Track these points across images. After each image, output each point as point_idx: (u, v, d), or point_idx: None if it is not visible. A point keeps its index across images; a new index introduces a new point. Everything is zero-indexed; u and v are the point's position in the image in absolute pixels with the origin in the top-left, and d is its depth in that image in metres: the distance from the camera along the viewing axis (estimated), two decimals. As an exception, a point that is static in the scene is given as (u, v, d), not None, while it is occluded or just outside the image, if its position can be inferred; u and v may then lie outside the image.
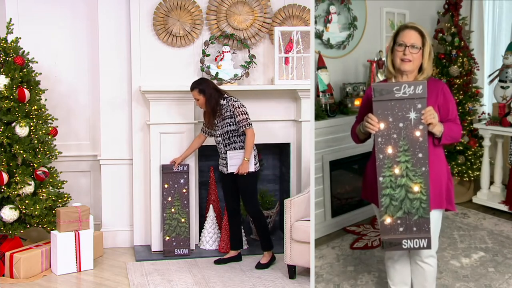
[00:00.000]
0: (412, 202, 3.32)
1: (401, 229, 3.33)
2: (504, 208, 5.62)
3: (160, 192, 5.57)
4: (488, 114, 6.09)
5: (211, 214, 5.75)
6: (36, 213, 5.05)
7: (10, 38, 5.22)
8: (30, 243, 5.35)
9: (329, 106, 5.39)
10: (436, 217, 3.46)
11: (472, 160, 6.05)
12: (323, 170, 5.24)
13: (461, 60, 6.07)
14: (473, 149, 6.06)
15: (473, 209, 5.83)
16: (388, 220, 3.34)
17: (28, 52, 5.27)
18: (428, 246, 3.34)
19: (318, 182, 5.19)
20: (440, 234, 3.70)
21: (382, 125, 3.30)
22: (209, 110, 5.12)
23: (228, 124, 5.08)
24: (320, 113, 5.25)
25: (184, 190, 5.55)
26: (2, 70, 5.10)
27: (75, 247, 5.13)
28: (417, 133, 3.27)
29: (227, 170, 5.17)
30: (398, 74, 3.48)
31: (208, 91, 5.07)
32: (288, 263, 4.88)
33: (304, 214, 4.93)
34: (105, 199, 5.76)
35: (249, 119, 5.07)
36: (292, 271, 4.91)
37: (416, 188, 3.30)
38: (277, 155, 6.28)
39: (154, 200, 5.59)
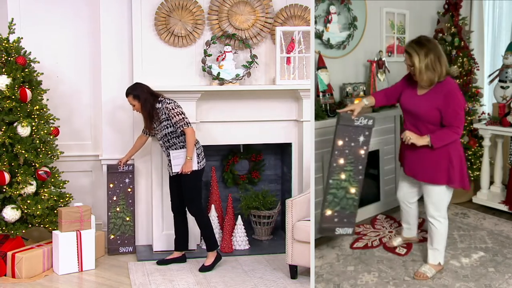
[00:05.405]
0: (348, 200, 4.50)
1: (336, 220, 4.51)
2: (504, 208, 5.61)
3: (160, 192, 5.58)
4: (488, 114, 6.08)
5: (212, 214, 5.75)
6: (38, 213, 5.05)
7: (12, 38, 5.23)
8: (32, 243, 5.35)
9: (329, 106, 5.39)
10: (436, 190, 4.27)
11: (472, 160, 6.05)
12: (323, 170, 5.25)
13: (461, 60, 6.06)
14: (473, 149, 6.06)
15: (473, 209, 5.82)
16: (329, 212, 4.50)
17: (30, 52, 5.28)
18: (352, 234, 4.61)
19: (318, 182, 5.19)
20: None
21: (340, 142, 4.38)
22: (145, 115, 5.11)
23: (165, 127, 5.07)
24: (320, 113, 5.24)
25: (129, 190, 5.61)
26: (4, 70, 5.10)
27: (77, 247, 5.14)
28: (361, 152, 4.43)
29: (172, 172, 5.15)
30: None
31: (142, 96, 5.06)
32: (290, 263, 4.89)
33: (305, 214, 4.95)
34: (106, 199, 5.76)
35: (186, 118, 5.05)
36: (293, 271, 4.93)
37: (352, 190, 4.48)
38: (278, 155, 6.30)
39: (156, 200, 5.61)
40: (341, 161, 4.40)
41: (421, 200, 4.60)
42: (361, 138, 4.40)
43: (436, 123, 4.16)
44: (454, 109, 4.08)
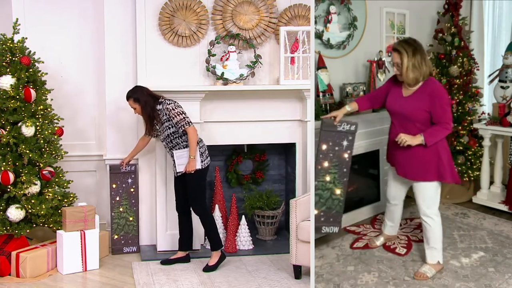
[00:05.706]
0: (334, 201, 4.63)
1: (322, 219, 4.64)
2: (504, 208, 5.63)
3: (164, 191, 5.60)
4: (488, 114, 6.09)
5: (216, 214, 5.76)
6: (42, 212, 5.06)
7: (17, 38, 5.21)
8: (36, 242, 5.36)
9: (329, 106, 5.41)
10: (428, 187, 4.36)
11: (472, 160, 6.07)
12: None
13: (461, 60, 6.08)
14: (473, 149, 6.08)
15: (473, 209, 5.84)
16: (315, 212, 4.52)
17: (34, 52, 5.27)
18: (339, 232, 4.78)
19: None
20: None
21: (324, 146, 4.51)
22: (145, 118, 5.13)
23: (167, 128, 5.08)
24: (320, 113, 5.25)
25: (132, 190, 5.65)
26: (8, 70, 5.10)
27: (81, 246, 5.15)
28: (345, 155, 4.58)
29: (177, 172, 5.18)
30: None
31: (142, 98, 5.07)
32: (294, 263, 4.91)
33: (309, 214, 4.97)
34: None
35: (187, 117, 5.07)
36: (297, 271, 4.95)
37: (338, 191, 4.63)
38: (282, 155, 6.31)
39: (160, 199, 5.61)
40: (326, 164, 4.54)
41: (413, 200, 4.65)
42: (345, 143, 4.55)
43: (424, 121, 4.28)
44: (441, 107, 4.21)
